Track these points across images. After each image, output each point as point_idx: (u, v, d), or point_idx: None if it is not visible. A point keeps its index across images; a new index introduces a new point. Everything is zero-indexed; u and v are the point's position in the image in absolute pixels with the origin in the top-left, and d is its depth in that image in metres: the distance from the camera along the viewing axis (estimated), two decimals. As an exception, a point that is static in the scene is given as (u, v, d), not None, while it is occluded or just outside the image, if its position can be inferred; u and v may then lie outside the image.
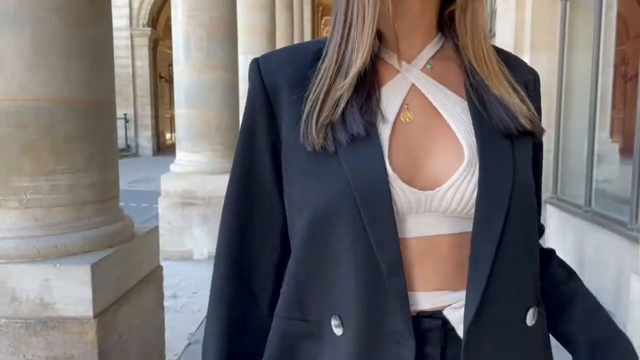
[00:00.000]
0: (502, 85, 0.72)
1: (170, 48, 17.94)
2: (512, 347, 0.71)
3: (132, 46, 17.45)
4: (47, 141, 1.97)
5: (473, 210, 0.67)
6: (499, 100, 0.71)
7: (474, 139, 0.69)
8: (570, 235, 4.05)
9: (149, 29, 17.62)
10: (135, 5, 17.36)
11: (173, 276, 4.16)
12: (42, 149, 1.96)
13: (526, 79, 0.80)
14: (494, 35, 5.55)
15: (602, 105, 3.98)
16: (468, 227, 0.67)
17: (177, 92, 4.86)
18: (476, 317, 0.66)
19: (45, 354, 1.91)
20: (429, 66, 0.73)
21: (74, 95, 2.01)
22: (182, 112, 4.82)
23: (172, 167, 4.90)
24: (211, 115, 4.75)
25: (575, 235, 3.97)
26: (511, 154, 0.70)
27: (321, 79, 0.69)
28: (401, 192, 0.65)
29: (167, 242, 4.71)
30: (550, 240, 4.43)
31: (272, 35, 7.79)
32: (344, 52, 0.69)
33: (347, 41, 0.70)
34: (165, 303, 3.42)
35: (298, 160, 0.70)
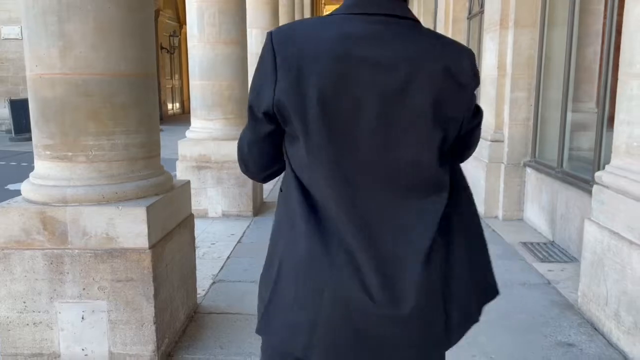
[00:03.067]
0: None
1: (172, 19, 18.03)
2: None
3: (134, 17, 17.54)
4: (107, 108, 2.43)
5: None
6: None
7: None
8: (546, 193, 4.56)
9: (150, -1, 17.70)
10: (136, -25, 17.39)
11: None
12: (104, 114, 2.43)
13: None
14: (483, 11, 5.94)
15: (577, 78, 4.43)
16: None
17: (192, 65, 5.27)
18: None
19: (111, 277, 2.41)
20: None
21: (129, 69, 2.47)
22: (196, 83, 5.25)
23: (188, 133, 5.36)
24: (224, 86, 5.19)
25: (550, 193, 4.47)
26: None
27: None
28: None
29: (184, 202, 5.22)
30: (529, 197, 4.95)
31: (275, 9, 8.14)
32: None
33: None
34: (190, 251, 3.95)
35: None
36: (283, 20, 9.85)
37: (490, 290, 1.21)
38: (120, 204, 2.42)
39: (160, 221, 2.57)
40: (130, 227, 2.40)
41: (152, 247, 2.44)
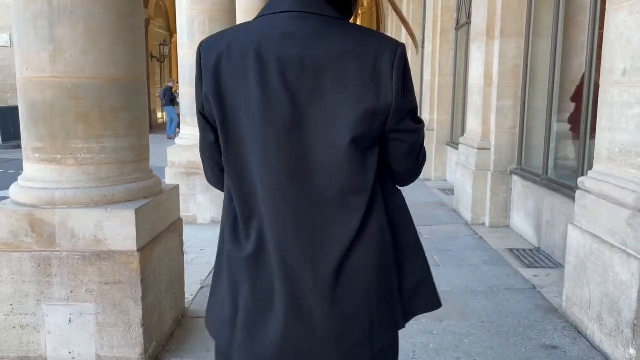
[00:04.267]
0: None
1: (162, 28, 18.05)
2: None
3: (124, 25, 17.57)
4: (97, 111, 2.46)
5: None
6: None
7: None
8: (531, 200, 4.62)
9: (140, 8, 17.77)
10: (127, -16, 17.45)
11: None
12: (93, 117, 2.45)
13: None
14: (471, 22, 6.05)
15: (562, 87, 4.51)
16: None
17: (182, 72, 5.30)
18: None
19: (99, 279, 2.42)
20: None
21: (119, 73, 2.50)
22: (186, 90, 5.27)
23: (177, 140, 5.38)
24: (213, 93, 5.22)
25: (535, 200, 4.54)
26: None
27: None
28: None
29: (173, 208, 5.22)
30: (515, 204, 5.01)
31: (265, 18, 8.21)
32: None
33: None
34: (178, 257, 3.95)
35: None
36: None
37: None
38: (109, 207, 2.44)
39: (149, 224, 2.58)
40: (119, 229, 2.41)
41: (141, 249, 2.45)
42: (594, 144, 3.72)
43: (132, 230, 2.41)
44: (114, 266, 2.42)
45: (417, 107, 1.10)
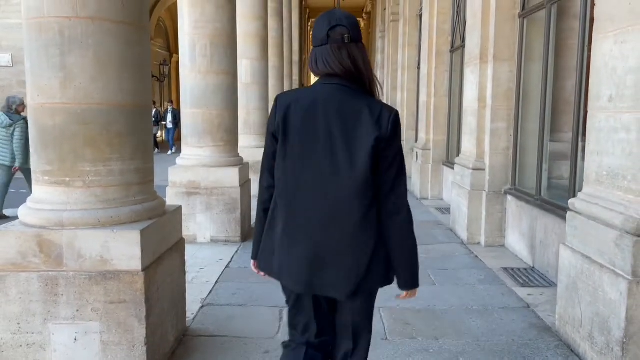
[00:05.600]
0: None
1: (162, 48, 18.17)
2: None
3: (124, 46, 17.80)
4: (104, 135, 2.55)
5: None
6: None
7: None
8: (526, 220, 4.72)
9: (141, 29, 18.02)
10: (128, 5, 17.72)
11: None
12: (101, 141, 2.55)
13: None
14: (465, 45, 6.20)
15: (553, 109, 4.64)
16: None
17: (184, 94, 5.41)
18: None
19: (104, 298, 2.49)
20: None
21: (126, 99, 2.60)
22: (187, 111, 5.39)
23: (178, 160, 5.47)
24: (214, 115, 5.33)
25: (529, 220, 4.63)
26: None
27: None
28: None
29: (173, 228, 5.30)
30: (510, 224, 5.11)
31: (265, 41, 8.37)
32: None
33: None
34: (179, 276, 4.01)
35: None
36: (272, 51, 10.10)
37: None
38: (115, 228, 2.52)
39: (153, 245, 2.66)
40: (125, 250, 2.49)
41: (145, 269, 2.52)
42: (584, 166, 3.85)
43: (137, 251, 2.49)
44: (119, 285, 2.49)
45: (402, 149, 1.77)
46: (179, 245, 3.10)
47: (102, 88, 2.52)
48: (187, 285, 3.87)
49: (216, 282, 4.12)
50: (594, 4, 3.11)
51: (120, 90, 2.58)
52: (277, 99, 1.80)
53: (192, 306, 3.56)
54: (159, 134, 18.83)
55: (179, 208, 3.14)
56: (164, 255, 2.81)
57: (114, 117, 2.58)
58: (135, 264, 2.49)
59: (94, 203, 2.54)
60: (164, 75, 21.09)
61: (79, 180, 2.53)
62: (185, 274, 3.21)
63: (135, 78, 2.66)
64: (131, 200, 2.65)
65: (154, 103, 17.16)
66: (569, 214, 3.10)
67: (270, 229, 1.85)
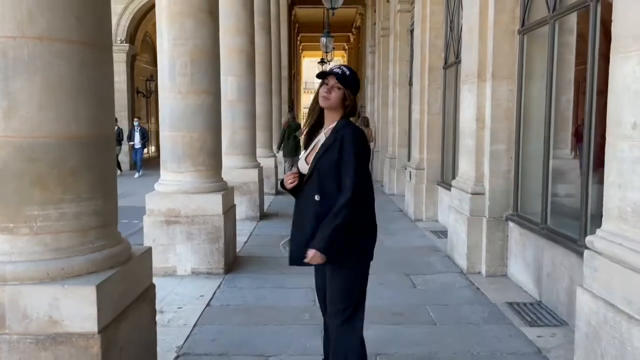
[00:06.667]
0: (330, 140, 2.48)
1: (148, 63, 17.96)
2: (307, 209, 2.50)
3: (110, 62, 17.46)
4: (55, 174, 2.19)
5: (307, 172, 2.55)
6: (328, 144, 2.48)
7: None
8: (530, 250, 4.39)
9: (126, 45, 17.70)
10: (114, 21, 17.42)
11: (158, 292, 4.22)
12: (51, 180, 2.19)
13: (341, 137, 2.44)
14: (460, 62, 5.92)
15: (556, 129, 4.35)
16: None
17: (162, 116, 5.06)
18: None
19: (54, 366, 2.11)
20: (325, 132, 2.57)
21: (81, 130, 2.25)
22: (166, 134, 5.02)
23: (157, 186, 5.09)
24: (195, 137, 4.97)
25: (534, 249, 4.30)
26: (317, 161, 2.47)
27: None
28: (304, 164, 2.57)
29: (151, 259, 4.90)
30: (512, 252, 4.78)
31: (251, 58, 8.04)
32: (306, 121, 2.66)
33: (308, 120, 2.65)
34: (153, 318, 3.62)
35: None
36: (259, 69, 9.78)
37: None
38: (66, 282, 2.15)
39: (114, 299, 2.29)
40: (77, 308, 2.12)
41: (103, 330, 2.15)
42: (595, 192, 3.54)
43: (92, 310, 2.12)
44: (71, 351, 2.12)
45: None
46: (148, 293, 2.72)
47: (53, 118, 2.17)
48: (162, 329, 3.50)
49: (195, 324, 3.72)
50: (607, 19, 2.83)
51: (75, 120, 2.23)
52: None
53: (166, 356, 3.17)
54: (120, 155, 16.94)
55: (148, 250, 2.77)
56: (129, 308, 2.44)
57: (67, 152, 2.22)
58: (90, 324, 2.12)
59: (42, 253, 2.17)
60: (150, 92, 20.75)
61: (25, 227, 2.16)
62: (155, 325, 2.82)
63: (93, 105, 2.31)
64: (88, 247, 2.28)
65: (116, 120, 16.06)
66: (587, 254, 2.77)
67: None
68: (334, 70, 2.51)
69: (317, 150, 2.49)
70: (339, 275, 2.45)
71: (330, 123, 2.52)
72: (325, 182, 2.43)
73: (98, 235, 2.34)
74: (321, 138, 2.52)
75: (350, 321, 2.47)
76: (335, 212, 2.36)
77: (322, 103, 2.48)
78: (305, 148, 2.62)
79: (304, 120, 2.66)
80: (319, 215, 2.40)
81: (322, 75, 2.54)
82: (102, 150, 2.39)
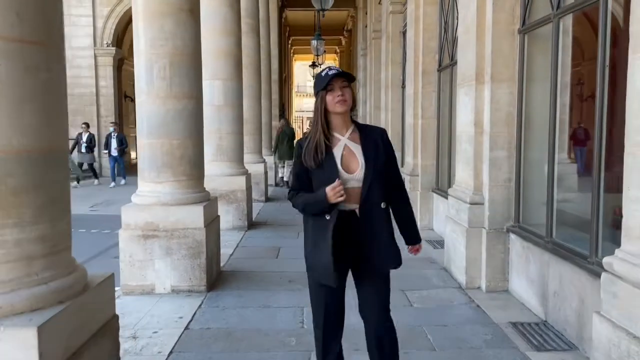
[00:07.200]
0: (369, 141, 2.45)
1: (136, 68, 17.30)
2: (376, 216, 2.44)
3: (96, 66, 17.11)
4: (-7, 194, 1.87)
5: (362, 178, 2.40)
6: (371, 145, 2.44)
7: (363, 159, 2.41)
8: (534, 265, 4.10)
9: (113, 48, 17.34)
10: (100, 24, 17.09)
11: (133, 314, 4.02)
12: (-13, 202, 1.86)
13: (377, 136, 2.51)
14: (455, 64, 5.64)
15: (561, 135, 4.07)
16: (360, 184, 2.41)
17: (140, 123, 4.73)
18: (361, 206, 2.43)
19: (-11, 422, 1.78)
20: (348, 136, 2.47)
21: (25, 143, 1.92)
22: (144, 142, 4.69)
23: (134, 198, 4.75)
24: (175, 145, 4.64)
25: (539, 264, 4.01)
26: (374, 163, 2.41)
27: (308, 143, 2.45)
28: (344, 174, 2.40)
29: (127, 277, 4.56)
30: (514, 267, 4.48)
31: (238, 60, 7.71)
32: (315, 133, 2.45)
33: (315, 129, 2.46)
34: (125, 345, 3.29)
35: (311, 170, 2.44)
36: (248, 72, 9.47)
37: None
38: (4, 322, 1.82)
39: (63, 339, 1.96)
40: (15, 356, 1.79)
41: (48, 378, 1.82)
42: (609, 202, 3.25)
43: (33, 356, 1.79)
44: (8, 406, 1.79)
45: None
46: (110, 326, 2.39)
47: (-10, 130, 1.84)
48: (135, 358, 3.18)
49: (170, 352, 3.39)
50: (623, 16, 2.55)
51: (18, 132, 1.91)
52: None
53: (135, 392, 2.84)
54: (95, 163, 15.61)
55: (110, 277, 2.44)
56: (85, 347, 2.11)
57: (9, 169, 1.90)
58: (32, 374, 1.79)
59: (-25, 288, 1.84)
60: (138, 95, 20.35)
61: (-45, 257, 1.83)
62: (119, 362, 2.49)
63: (40, 114, 1.98)
64: (32, 279, 1.95)
65: (87, 126, 14.99)
66: (605, 277, 2.48)
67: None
68: (333, 71, 2.41)
69: (356, 155, 2.42)
70: (388, 277, 2.55)
71: (344, 125, 2.47)
72: (383, 185, 2.44)
73: (45, 264, 2.01)
74: (346, 142, 2.44)
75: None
76: (410, 209, 2.60)
77: (342, 108, 2.39)
78: (316, 156, 2.39)
79: (308, 133, 2.51)
80: (387, 219, 2.47)
81: (324, 83, 2.38)
82: (52, 166, 2.06)
